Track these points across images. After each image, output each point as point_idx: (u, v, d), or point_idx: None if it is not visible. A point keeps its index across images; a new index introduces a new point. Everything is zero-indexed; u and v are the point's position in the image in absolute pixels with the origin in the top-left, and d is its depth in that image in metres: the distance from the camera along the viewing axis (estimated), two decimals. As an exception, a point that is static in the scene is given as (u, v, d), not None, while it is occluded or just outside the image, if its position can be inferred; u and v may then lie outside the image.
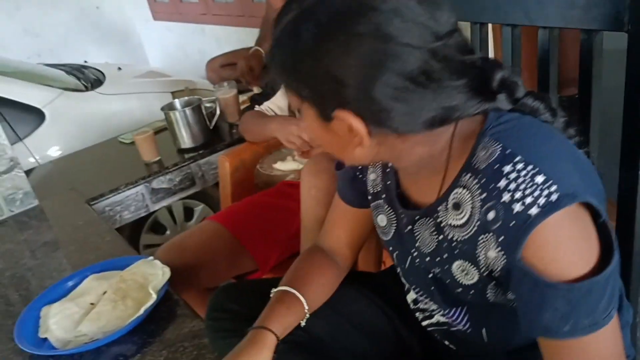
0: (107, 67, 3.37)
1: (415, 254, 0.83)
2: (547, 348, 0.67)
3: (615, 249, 0.63)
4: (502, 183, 0.63)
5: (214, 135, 2.22)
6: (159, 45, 5.46)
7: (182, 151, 2.13)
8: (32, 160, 2.58)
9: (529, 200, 0.60)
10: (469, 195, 0.68)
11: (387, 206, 0.88)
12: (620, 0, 0.94)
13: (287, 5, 0.66)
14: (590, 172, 0.67)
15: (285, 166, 1.68)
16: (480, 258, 0.69)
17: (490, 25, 1.45)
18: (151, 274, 1.21)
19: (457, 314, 0.85)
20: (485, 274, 0.70)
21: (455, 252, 0.74)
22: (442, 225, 0.75)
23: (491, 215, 0.64)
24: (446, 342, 0.92)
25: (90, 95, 2.87)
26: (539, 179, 0.60)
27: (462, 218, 0.70)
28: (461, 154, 0.70)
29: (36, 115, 2.66)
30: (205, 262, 1.45)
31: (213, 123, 2.23)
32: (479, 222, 0.67)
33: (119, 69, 3.39)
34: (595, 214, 0.63)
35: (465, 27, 1.18)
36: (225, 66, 3.22)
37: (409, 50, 0.61)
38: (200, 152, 2.11)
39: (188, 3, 4.57)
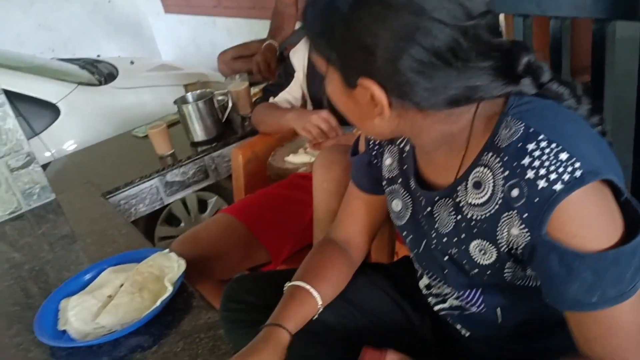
0: (120, 61, 3.39)
1: (433, 235, 0.83)
2: (575, 322, 0.68)
3: None
4: (526, 160, 0.63)
5: (227, 127, 2.24)
6: (170, 38, 5.48)
7: (195, 144, 2.15)
8: (47, 154, 2.61)
9: (553, 176, 0.61)
10: (491, 173, 0.69)
11: (403, 190, 0.89)
12: (633, -11, 0.93)
13: None
14: (610, 154, 0.68)
15: (297, 159, 1.69)
16: (501, 236, 0.70)
17: (502, 15, 1.44)
18: (167, 267, 1.23)
19: (471, 295, 0.85)
20: (505, 251, 0.71)
21: (474, 231, 0.74)
22: (461, 204, 0.76)
23: (515, 192, 0.65)
24: (458, 327, 0.93)
25: (103, 89, 2.90)
26: (563, 156, 0.61)
27: (482, 197, 0.71)
28: (482, 133, 0.71)
29: (51, 110, 2.69)
30: (219, 254, 1.47)
31: (225, 116, 2.25)
32: (501, 200, 0.68)
33: (132, 62, 3.41)
34: (617, 193, 0.65)
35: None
36: (236, 58, 3.23)
37: (440, 27, 0.61)
38: (213, 144, 2.13)
39: (199, -5, 4.57)
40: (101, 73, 3.09)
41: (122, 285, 1.22)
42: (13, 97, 2.35)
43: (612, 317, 0.65)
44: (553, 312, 0.71)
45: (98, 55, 3.82)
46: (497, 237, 0.71)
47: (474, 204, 0.73)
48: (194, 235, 1.52)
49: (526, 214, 0.65)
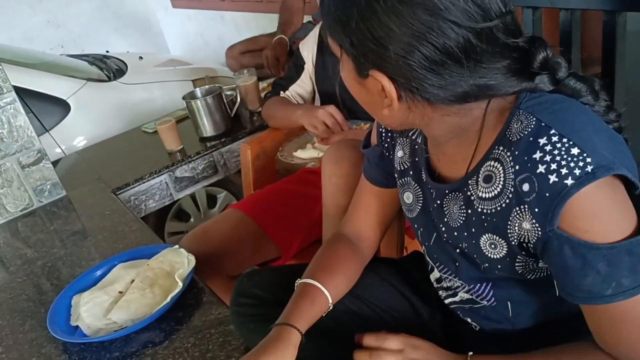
0: (128, 57, 3.40)
1: (443, 229, 0.84)
2: (592, 314, 0.68)
3: None
4: (537, 155, 0.63)
5: (235, 123, 2.24)
6: (178, 33, 5.49)
7: (204, 139, 2.16)
8: (58, 150, 2.63)
9: (564, 171, 0.61)
10: (502, 167, 0.69)
11: (414, 183, 0.89)
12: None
13: None
14: (624, 147, 0.67)
15: (306, 154, 1.69)
16: (512, 230, 0.70)
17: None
18: (177, 262, 1.24)
19: (482, 289, 0.85)
20: (515, 245, 0.71)
21: (485, 225, 0.74)
22: (471, 198, 0.76)
23: (526, 186, 0.65)
24: (469, 321, 0.93)
25: (113, 85, 2.91)
26: (575, 150, 0.61)
27: (493, 190, 0.71)
28: (494, 127, 0.70)
29: (61, 106, 2.70)
30: (229, 250, 1.48)
31: (234, 111, 2.25)
32: (512, 195, 0.68)
33: (141, 58, 3.42)
34: (630, 187, 0.64)
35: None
36: (244, 53, 3.24)
37: (453, 28, 0.61)
38: (222, 140, 2.13)
39: (206, -10, 4.57)
40: (110, 69, 3.11)
41: (133, 281, 1.23)
42: (23, 94, 2.37)
43: (627, 309, 0.65)
44: (563, 305, 0.71)
45: (107, 51, 3.84)
46: (508, 232, 0.70)
47: (484, 197, 0.73)
48: (203, 231, 1.53)
49: (537, 209, 0.64)
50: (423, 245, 0.94)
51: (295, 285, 0.92)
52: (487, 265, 0.78)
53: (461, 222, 0.79)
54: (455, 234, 0.81)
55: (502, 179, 0.69)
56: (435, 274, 0.95)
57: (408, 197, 0.91)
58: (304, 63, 1.79)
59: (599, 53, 1.20)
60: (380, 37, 0.64)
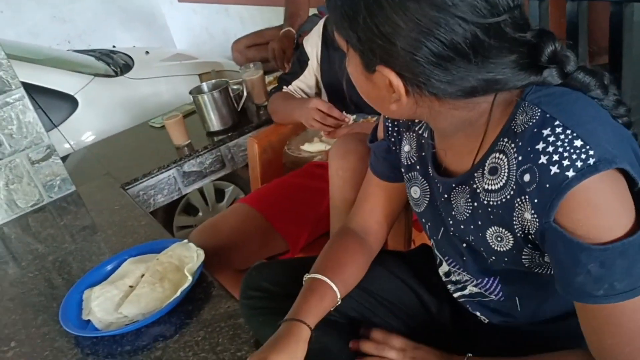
0: (135, 52, 3.41)
1: (450, 222, 0.84)
2: (583, 313, 0.68)
3: None
4: (540, 146, 0.63)
5: (242, 117, 2.25)
6: (184, 27, 5.49)
7: (211, 134, 2.16)
8: (67, 146, 2.64)
9: (566, 162, 0.61)
10: (506, 159, 0.69)
11: (421, 178, 0.89)
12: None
13: None
14: (629, 142, 0.67)
15: (313, 147, 1.69)
16: (517, 222, 0.70)
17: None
18: (186, 257, 1.25)
19: (490, 284, 0.86)
20: (521, 237, 0.71)
21: (491, 217, 0.74)
22: (477, 191, 0.76)
23: (527, 177, 0.65)
24: (478, 314, 0.93)
25: (120, 80, 2.92)
26: (578, 143, 0.61)
27: (498, 182, 0.71)
28: (500, 120, 0.70)
29: (69, 102, 2.72)
30: (237, 244, 1.49)
31: (240, 105, 2.26)
32: (515, 185, 0.68)
33: (147, 52, 3.43)
34: (631, 183, 0.63)
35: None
36: (250, 47, 3.23)
37: (460, 23, 0.61)
38: (229, 134, 2.14)
39: (211, -17, 4.56)
40: (117, 64, 3.11)
41: (143, 275, 1.24)
42: (31, 90, 2.38)
43: (620, 313, 0.64)
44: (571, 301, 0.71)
45: (113, 46, 3.85)
46: (514, 223, 0.70)
47: (490, 190, 0.73)
48: (212, 225, 1.54)
49: (537, 199, 0.64)
50: (431, 239, 0.94)
51: (304, 279, 0.93)
52: (493, 258, 0.78)
53: (467, 215, 0.79)
54: (462, 227, 0.81)
55: (506, 170, 0.69)
56: (443, 268, 0.95)
57: (415, 192, 0.91)
58: (308, 59, 1.79)
59: (606, 43, 1.19)
60: (387, 32, 0.64)
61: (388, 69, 0.67)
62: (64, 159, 2.02)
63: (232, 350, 1.02)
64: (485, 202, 0.74)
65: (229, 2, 4.49)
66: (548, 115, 0.64)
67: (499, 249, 0.76)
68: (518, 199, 0.68)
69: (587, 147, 0.60)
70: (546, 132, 0.63)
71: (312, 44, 1.78)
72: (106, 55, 3.28)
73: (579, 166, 0.60)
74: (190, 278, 1.18)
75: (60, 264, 1.48)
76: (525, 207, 0.67)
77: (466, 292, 0.92)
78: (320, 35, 1.76)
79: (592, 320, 0.67)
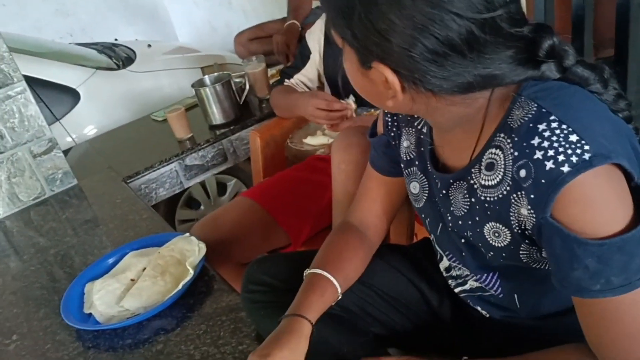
0: (137, 45, 3.40)
1: (449, 218, 0.83)
2: (580, 308, 0.68)
3: None
4: (536, 141, 0.63)
5: (244, 110, 2.24)
6: (186, 21, 5.47)
7: (213, 127, 2.16)
8: (68, 139, 2.64)
9: (561, 158, 0.60)
10: (502, 154, 0.68)
11: (420, 173, 0.89)
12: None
13: None
14: (627, 137, 0.66)
15: (315, 141, 1.69)
16: (514, 217, 0.69)
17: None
18: (188, 250, 1.25)
19: (489, 279, 0.85)
20: (518, 233, 0.71)
21: (488, 213, 0.74)
22: (474, 187, 0.75)
23: (523, 172, 0.64)
24: (479, 308, 0.93)
25: (122, 73, 2.91)
26: (573, 137, 0.60)
27: (495, 178, 0.70)
28: (496, 115, 0.70)
29: (71, 95, 2.71)
30: (239, 237, 1.48)
31: (243, 98, 2.25)
32: (511, 181, 0.67)
33: (149, 46, 3.41)
34: (628, 178, 0.63)
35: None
36: (253, 40, 3.22)
37: (455, 19, 0.60)
38: (231, 127, 2.13)
39: (214, -24, 4.55)
40: (119, 57, 3.11)
41: (144, 269, 1.24)
42: (33, 83, 2.38)
43: (617, 307, 0.63)
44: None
45: (115, 39, 3.84)
46: (511, 219, 0.70)
47: (487, 185, 0.72)
48: (213, 219, 1.54)
49: (533, 195, 0.64)
50: (431, 235, 0.94)
51: (304, 274, 0.92)
52: (492, 254, 0.78)
53: (465, 210, 0.79)
54: (460, 222, 0.81)
55: (502, 166, 0.69)
56: (444, 263, 0.95)
57: (415, 187, 0.91)
58: (310, 52, 1.78)
59: (612, 35, 1.18)
60: (382, 29, 0.63)
61: (384, 66, 0.66)
62: (65, 152, 2.02)
63: (234, 343, 1.02)
64: (482, 197, 0.74)
65: (231, -5, 4.47)
66: (544, 110, 0.63)
67: (496, 244, 0.75)
68: (514, 195, 0.67)
69: (583, 142, 0.60)
70: (542, 127, 0.62)
71: (315, 38, 1.77)
72: (108, 49, 3.28)
73: (574, 161, 0.59)
74: (191, 272, 1.17)
75: (62, 257, 1.47)
76: (522, 202, 0.66)
77: (467, 287, 0.92)
78: (322, 29, 1.75)
79: (589, 314, 0.67)
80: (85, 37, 4.75)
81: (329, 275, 0.89)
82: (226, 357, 1.00)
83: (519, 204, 0.67)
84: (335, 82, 1.73)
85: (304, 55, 1.81)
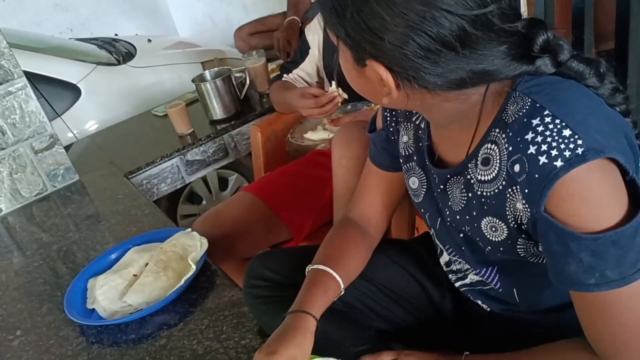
0: (137, 40, 3.39)
1: (447, 213, 0.84)
2: (578, 302, 0.68)
3: None
4: (529, 136, 0.63)
5: (245, 105, 2.24)
6: (186, 15, 5.46)
7: (214, 122, 2.16)
8: (70, 135, 2.64)
9: (554, 152, 0.60)
10: (497, 150, 0.69)
11: (418, 168, 0.89)
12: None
13: None
14: (622, 131, 0.66)
15: (316, 135, 1.69)
16: (510, 212, 0.70)
17: (522, -17, 1.40)
18: (190, 245, 1.25)
19: (488, 273, 0.86)
20: (514, 227, 0.71)
21: (484, 208, 0.74)
22: (471, 182, 0.76)
23: (517, 167, 0.65)
24: (479, 302, 0.93)
25: (122, 68, 2.91)
26: (567, 132, 0.60)
27: (490, 173, 0.71)
28: (492, 110, 0.70)
29: (72, 91, 2.71)
30: (241, 232, 1.49)
31: (243, 93, 2.25)
32: (506, 176, 0.68)
33: (149, 41, 3.41)
34: (623, 172, 0.63)
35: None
36: (253, 34, 3.21)
37: (447, 16, 0.61)
38: (232, 122, 2.14)
39: (214, -30, 4.53)
40: (119, 52, 3.10)
41: (147, 264, 1.25)
42: (34, 79, 2.38)
43: (614, 300, 0.63)
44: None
45: (116, 35, 3.83)
46: (507, 214, 0.70)
47: (483, 180, 0.73)
48: (215, 214, 1.54)
49: (527, 190, 0.64)
50: (431, 229, 0.94)
51: (307, 270, 0.92)
52: (489, 248, 0.78)
53: (463, 205, 0.79)
54: (458, 217, 0.81)
55: (498, 161, 0.69)
56: (444, 257, 0.95)
57: (414, 182, 0.91)
58: (309, 47, 1.77)
59: (612, 28, 1.18)
60: (374, 27, 0.63)
61: (377, 63, 0.67)
62: (67, 148, 2.02)
63: (236, 338, 1.03)
64: (479, 192, 0.74)
65: (231, -11, 4.46)
66: (538, 105, 0.64)
67: (494, 239, 0.76)
68: (509, 190, 0.68)
69: (576, 136, 0.60)
70: (535, 121, 0.63)
71: (314, 32, 1.77)
72: (108, 44, 3.27)
73: (567, 156, 0.60)
74: (194, 267, 1.18)
75: (64, 253, 1.48)
76: (517, 197, 0.67)
77: (467, 281, 0.92)
78: (321, 24, 1.74)
79: (587, 309, 0.67)
80: (85, 32, 4.74)
81: (331, 271, 0.90)
82: (229, 351, 1.00)
83: (514, 199, 0.68)
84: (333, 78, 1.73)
85: (303, 50, 1.80)
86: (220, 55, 2.96)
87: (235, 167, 2.47)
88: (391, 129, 0.95)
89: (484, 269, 0.85)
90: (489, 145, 0.71)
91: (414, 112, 0.89)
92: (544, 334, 0.78)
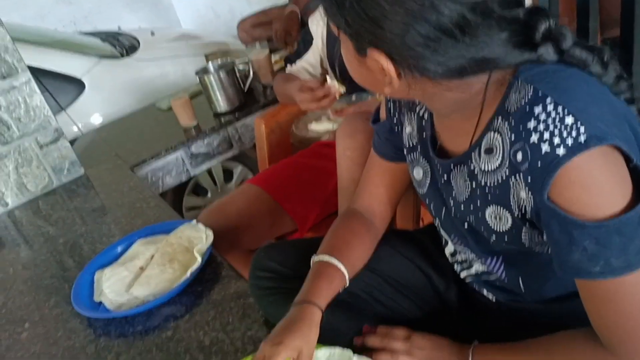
0: (140, 33, 3.39)
1: (451, 203, 0.84)
2: (583, 290, 0.68)
3: None
4: (532, 124, 0.63)
5: (249, 97, 2.24)
6: (189, 7, 5.45)
7: (218, 115, 2.16)
8: (74, 129, 2.65)
9: (556, 140, 0.60)
10: (500, 138, 0.69)
11: (422, 159, 0.89)
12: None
13: None
14: (625, 119, 0.65)
15: (320, 127, 1.68)
16: (513, 201, 0.70)
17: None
18: (195, 238, 1.26)
19: (493, 263, 0.86)
20: (519, 217, 0.71)
21: (488, 198, 0.74)
22: (475, 171, 0.76)
23: (520, 156, 0.64)
24: (485, 292, 0.93)
25: (126, 62, 2.91)
26: (569, 120, 0.60)
27: (494, 162, 0.71)
28: (494, 99, 0.70)
29: (76, 85, 2.72)
30: (246, 224, 1.49)
31: (247, 85, 2.25)
32: (509, 164, 0.67)
33: (152, 33, 3.41)
34: (627, 160, 0.62)
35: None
36: (256, 26, 3.20)
37: (447, 3, 0.60)
38: (236, 114, 2.13)
39: (216, -39, 4.51)
40: (123, 45, 3.10)
41: (152, 256, 1.25)
42: (38, 73, 2.38)
43: (619, 288, 0.63)
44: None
45: (119, 27, 3.83)
46: (511, 202, 0.70)
47: (486, 170, 0.73)
48: (220, 207, 1.54)
49: (530, 178, 0.64)
50: (435, 220, 0.94)
51: (312, 261, 0.93)
52: (494, 238, 0.78)
53: (467, 196, 0.79)
54: (462, 208, 0.81)
55: (501, 149, 0.69)
56: (449, 248, 0.95)
57: (418, 173, 0.91)
58: (313, 39, 1.76)
59: (618, 14, 1.17)
60: (374, 16, 0.63)
61: (378, 52, 0.66)
62: (72, 142, 2.03)
63: (242, 329, 1.03)
64: (483, 182, 0.74)
65: (234, -19, 4.44)
66: (540, 93, 0.63)
67: (498, 229, 0.76)
68: (513, 178, 0.68)
69: (578, 124, 0.60)
70: (538, 109, 0.62)
71: (317, 23, 1.76)
72: (112, 37, 3.27)
73: (570, 144, 0.59)
74: (199, 259, 1.18)
75: (71, 246, 1.49)
76: (520, 186, 0.67)
77: (472, 271, 0.92)
78: (324, 15, 1.73)
79: (591, 297, 0.67)
80: (88, 25, 4.74)
81: (336, 262, 0.90)
82: (235, 342, 1.01)
83: (517, 187, 0.67)
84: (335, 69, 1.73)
85: (307, 41, 1.79)
86: (223, 47, 2.96)
87: (240, 159, 2.47)
88: (395, 120, 0.95)
89: (489, 259, 0.86)
90: (492, 134, 0.70)
91: (417, 103, 0.88)
92: (549, 324, 0.78)
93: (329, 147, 1.62)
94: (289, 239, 1.59)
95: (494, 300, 0.93)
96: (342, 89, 1.51)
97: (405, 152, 0.94)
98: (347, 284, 0.92)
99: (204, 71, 2.16)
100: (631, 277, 0.62)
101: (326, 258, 0.91)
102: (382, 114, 0.99)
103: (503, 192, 0.71)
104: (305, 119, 1.79)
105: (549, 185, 0.62)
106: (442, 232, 0.95)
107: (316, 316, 0.83)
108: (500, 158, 0.69)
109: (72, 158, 1.88)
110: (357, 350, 0.87)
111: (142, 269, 1.24)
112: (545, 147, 0.61)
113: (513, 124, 0.66)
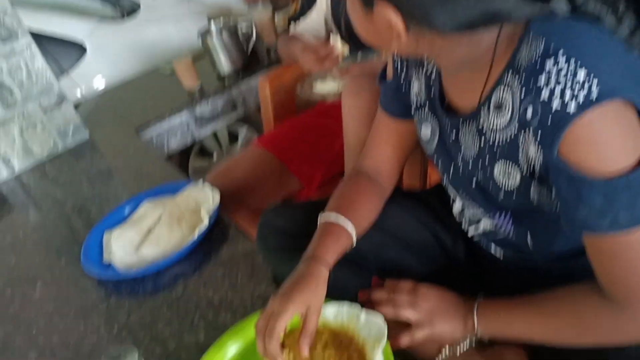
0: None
1: (459, 161, 0.83)
2: (590, 246, 0.68)
3: None
4: (543, 79, 0.61)
5: (252, 58, 2.21)
6: (190, -33, 5.33)
7: (221, 77, 2.14)
8: (78, 94, 2.63)
9: (567, 96, 0.59)
10: (510, 93, 0.68)
11: (430, 116, 0.88)
12: None
13: None
14: (639, 74, 0.64)
15: (325, 86, 1.67)
16: (522, 156, 0.69)
17: None
18: (202, 198, 1.26)
19: (501, 219, 0.86)
20: (528, 173, 0.71)
21: (497, 154, 0.74)
22: (484, 128, 0.75)
23: (530, 112, 0.63)
24: (492, 249, 0.94)
25: (127, 24, 2.87)
26: (581, 73, 0.59)
27: (503, 118, 0.70)
28: (505, 54, 0.68)
29: (77, 48, 2.69)
30: (252, 185, 1.50)
31: (250, 46, 2.21)
32: (518, 120, 0.67)
33: (153, -5, 3.34)
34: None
35: None
36: (258, -16, 3.13)
37: None
38: (240, 76, 2.11)
39: None
40: (123, 6, 3.05)
41: (160, 217, 1.26)
42: (39, 37, 2.35)
43: (627, 241, 0.63)
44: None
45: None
46: (519, 159, 0.70)
47: (496, 125, 0.72)
48: (226, 168, 1.55)
49: (540, 133, 0.63)
50: (443, 178, 0.94)
51: (319, 219, 0.93)
52: (502, 196, 0.77)
53: (475, 153, 0.78)
54: (470, 165, 0.81)
55: (510, 105, 0.68)
56: (457, 206, 0.95)
57: (425, 131, 0.90)
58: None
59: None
60: None
61: (386, 4, 0.64)
62: (76, 106, 2.02)
63: (251, 287, 1.05)
64: (492, 138, 0.73)
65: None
66: (552, 46, 0.62)
67: (506, 185, 0.75)
68: (522, 134, 0.67)
69: (591, 76, 0.58)
70: (549, 63, 0.61)
71: (321, -18, 1.72)
72: (112, -2, 3.22)
73: (581, 100, 0.58)
74: (207, 219, 1.19)
75: (79, 208, 1.50)
76: (530, 142, 0.66)
77: (480, 228, 0.92)
78: None
79: (599, 252, 0.67)
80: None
81: (342, 221, 0.90)
82: (244, 301, 1.02)
83: (527, 143, 0.67)
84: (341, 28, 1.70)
85: (311, 1, 1.76)
86: (225, 7, 2.90)
87: (245, 119, 2.46)
88: (402, 79, 0.93)
89: (497, 215, 0.85)
90: (502, 90, 0.69)
91: (424, 61, 0.87)
92: (557, 281, 0.79)
93: (334, 106, 1.61)
94: (297, 202, 1.59)
95: (501, 257, 0.94)
96: (346, 50, 1.48)
97: (412, 111, 0.93)
98: (354, 243, 0.92)
99: (206, 32, 2.13)
100: (638, 232, 0.62)
101: (333, 216, 0.91)
102: (389, 74, 0.97)
103: (512, 148, 0.70)
104: (310, 79, 1.77)
105: (558, 141, 0.61)
106: (450, 190, 0.95)
107: (324, 272, 0.83)
108: (509, 114, 0.68)
109: (77, 122, 1.87)
110: (362, 305, 0.88)
111: (150, 229, 1.24)
112: (555, 104, 0.60)
113: (524, 78, 0.64)
